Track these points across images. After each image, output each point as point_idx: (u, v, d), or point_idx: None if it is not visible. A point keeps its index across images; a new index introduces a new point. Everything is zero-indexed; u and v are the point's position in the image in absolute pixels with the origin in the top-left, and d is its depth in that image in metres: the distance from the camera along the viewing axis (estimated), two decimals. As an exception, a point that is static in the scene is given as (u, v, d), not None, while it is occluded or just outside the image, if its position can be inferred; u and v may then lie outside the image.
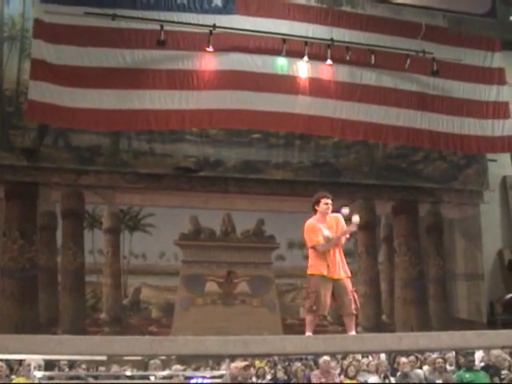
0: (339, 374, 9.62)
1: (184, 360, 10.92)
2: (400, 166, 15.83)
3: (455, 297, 16.10)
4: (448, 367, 10.06)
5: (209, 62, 12.77)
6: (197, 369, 11.35)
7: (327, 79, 13.49)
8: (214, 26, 12.60)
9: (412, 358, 9.87)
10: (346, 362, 10.25)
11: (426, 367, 10.17)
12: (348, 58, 13.25)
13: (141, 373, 10.58)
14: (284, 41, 12.90)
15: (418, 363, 10.25)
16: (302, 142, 15.02)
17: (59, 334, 12.91)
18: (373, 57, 13.35)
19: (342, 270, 6.56)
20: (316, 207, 6.74)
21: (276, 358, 11.26)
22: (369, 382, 9.63)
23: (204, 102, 12.69)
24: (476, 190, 16.21)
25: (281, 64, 13.17)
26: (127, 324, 14.17)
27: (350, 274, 6.64)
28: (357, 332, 6.73)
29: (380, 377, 9.60)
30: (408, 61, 13.67)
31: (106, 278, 14.20)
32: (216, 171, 14.66)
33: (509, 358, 9.14)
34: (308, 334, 6.41)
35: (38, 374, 8.57)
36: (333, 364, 9.57)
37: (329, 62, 13.26)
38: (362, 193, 15.49)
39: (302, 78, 13.30)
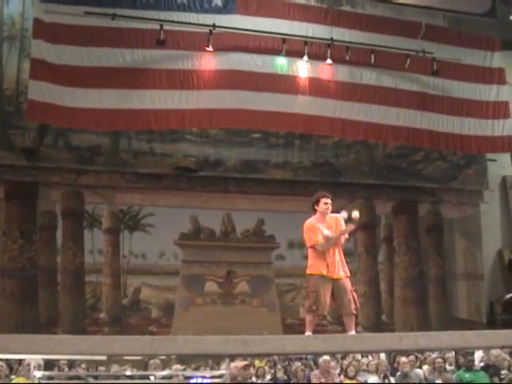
0: (339, 374, 9.61)
1: (184, 360, 10.92)
2: (400, 165, 15.83)
3: (455, 297, 16.10)
4: (448, 367, 10.06)
5: (209, 61, 12.77)
6: (196, 368, 11.34)
7: (327, 79, 13.50)
8: (214, 26, 12.61)
9: (412, 357, 9.87)
10: (345, 362, 10.25)
11: (425, 367, 10.17)
12: (348, 57, 13.25)
13: (141, 372, 10.57)
14: (284, 40, 12.90)
15: (418, 363, 10.25)
16: (301, 141, 15.02)
17: (59, 333, 12.91)
18: (373, 56, 13.35)
19: (341, 269, 6.56)
20: (316, 207, 6.73)
21: (276, 357, 11.26)
22: (368, 381, 9.62)
23: (204, 101, 12.69)
24: (476, 190, 16.22)
25: (281, 64, 13.17)
26: (127, 324, 14.17)
27: (349, 274, 6.64)
28: (356, 332, 6.73)
29: (380, 376, 9.59)
30: (408, 60, 13.67)
31: (106, 278, 14.20)
32: (216, 171, 14.66)
33: (508, 358, 9.14)
34: (308, 333, 6.41)
35: (38, 373, 8.56)
36: (332, 364, 9.56)
37: (329, 61, 13.27)
38: (362, 193, 15.49)
39: (301, 77, 13.31)
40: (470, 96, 14.42)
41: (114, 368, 11.35)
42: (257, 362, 11.04)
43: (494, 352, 9.15)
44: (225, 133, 14.52)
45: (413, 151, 15.71)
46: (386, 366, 9.77)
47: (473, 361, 8.98)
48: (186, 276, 14.68)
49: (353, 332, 6.51)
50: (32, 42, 12.24)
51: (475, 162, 16.12)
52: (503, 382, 8.65)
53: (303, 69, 13.29)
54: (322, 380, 8.90)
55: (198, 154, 14.56)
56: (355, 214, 6.51)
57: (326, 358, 9.00)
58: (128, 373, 10.58)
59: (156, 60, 12.57)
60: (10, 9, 13.70)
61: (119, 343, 5.47)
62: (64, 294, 13.79)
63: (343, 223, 6.65)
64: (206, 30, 12.58)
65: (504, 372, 8.88)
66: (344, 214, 6.57)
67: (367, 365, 10.41)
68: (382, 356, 10.64)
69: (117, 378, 10.21)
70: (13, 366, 9.47)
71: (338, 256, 6.58)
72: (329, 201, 6.71)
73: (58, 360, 10.61)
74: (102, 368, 11.50)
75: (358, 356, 10.59)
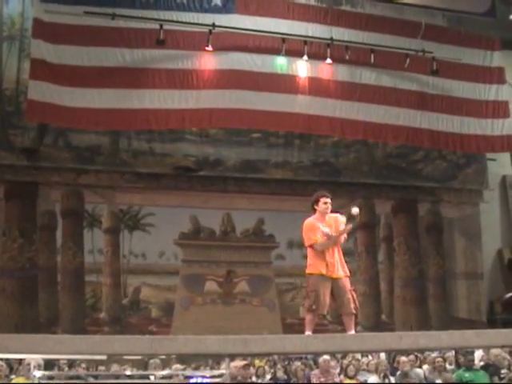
0: (339, 374, 9.60)
1: (184, 359, 10.92)
2: (400, 165, 15.83)
3: (455, 296, 16.10)
4: (448, 366, 10.07)
5: (208, 61, 12.77)
6: (196, 368, 11.34)
7: (327, 78, 13.50)
8: (214, 26, 12.61)
9: (412, 357, 9.88)
10: (345, 362, 10.24)
11: (425, 366, 10.18)
12: (347, 57, 13.25)
13: (141, 372, 10.57)
14: (283, 40, 12.90)
15: (418, 362, 10.25)
16: (301, 141, 15.02)
17: (59, 333, 12.91)
18: (372, 56, 13.35)
19: (340, 269, 6.56)
20: (315, 206, 6.74)
21: (276, 357, 11.25)
22: (368, 381, 9.62)
23: (204, 101, 12.70)
24: (476, 190, 16.22)
25: (280, 63, 13.17)
26: (127, 323, 14.17)
27: (348, 274, 6.64)
28: (356, 331, 6.73)
29: (380, 376, 9.59)
30: (407, 60, 13.67)
31: (106, 278, 14.20)
32: (216, 171, 14.66)
33: (508, 357, 9.14)
34: (307, 333, 6.41)
35: (38, 373, 8.57)
36: (332, 363, 9.55)
37: (328, 61, 13.27)
38: (362, 192, 15.48)
39: (301, 77, 13.31)
40: (469, 95, 14.42)
41: (114, 368, 11.34)
42: (257, 362, 11.04)
43: (494, 351, 9.15)
44: (224, 132, 14.52)
45: (412, 151, 15.71)
46: (385, 366, 9.77)
47: (473, 360, 8.98)
48: (185, 276, 14.68)
49: (352, 331, 6.51)
50: (32, 41, 12.24)
51: (475, 161, 16.13)
52: (503, 381, 8.64)
53: (303, 68, 13.29)
54: (322, 379, 8.90)
55: (198, 154, 14.56)
56: (355, 210, 6.53)
57: (326, 357, 9.01)
58: (128, 372, 10.57)
59: (156, 60, 12.57)
60: (9, 9, 13.70)
61: (119, 343, 5.47)
62: (64, 294, 13.79)
63: (343, 223, 6.65)
64: (206, 29, 12.58)
65: (504, 371, 8.88)
66: (356, 210, 6.57)
67: (367, 364, 10.42)
68: (382, 355, 10.64)
69: (117, 377, 10.20)
70: (13, 366, 9.47)
71: (337, 255, 6.58)
72: (328, 200, 6.71)
73: (58, 360, 10.61)
74: (102, 368, 11.49)
75: (358, 355, 10.59)
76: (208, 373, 10.01)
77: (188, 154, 14.52)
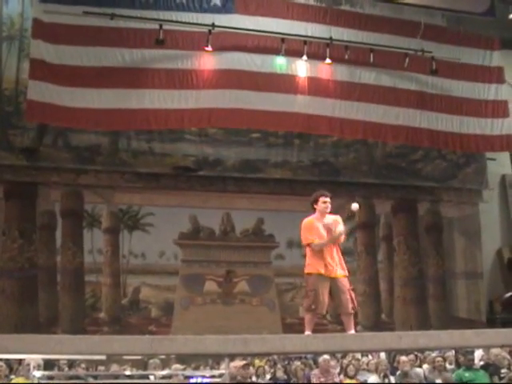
0: (339, 373, 9.61)
1: (183, 359, 10.92)
2: (399, 164, 15.83)
3: (454, 296, 16.10)
4: (447, 366, 10.07)
5: (208, 61, 12.77)
6: (196, 368, 11.34)
7: (326, 78, 13.49)
8: (213, 26, 12.60)
9: (412, 356, 9.89)
10: (345, 361, 10.24)
11: (425, 366, 10.18)
12: (347, 57, 13.24)
13: (140, 372, 10.57)
14: (283, 40, 12.89)
15: (418, 362, 10.27)
16: (301, 141, 15.02)
17: (59, 333, 12.91)
18: (372, 56, 13.34)
19: (339, 268, 6.57)
20: (315, 206, 6.75)
21: (275, 357, 11.25)
22: (368, 381, 9.63)
23: (203, 101, 12.69)
24: (475, 189, 16.22)
25: (280, 63, 13.16)
26: (127, 323, 14.17)
27: (347, 273, 6.64)
28: (356, 331, 6.74)
29: (380, 376, 9.59)
30: (407, 60, 13.66)
31: (106, 278, 14.20)
32: (215, 170, 14.66)
33: (508, 357, 9.15)
34: (307, 332, 6.42)
35: (38, 373, 8.58)
36: (332, 363, 9.56)
37: (328, 61, 13.26)
38: (362, 192, 15.47)
39: (300, 77, 13.30)
40: (469, 95, 14.42)
41: (114, 368, 11.34)
42: (256, 362, 11.04)
43: (494, 351, 9.17)
44: (224, 132, 14.52)
45: (412, 150, 15.71)
46: (385, 365, 9.77)
47: (473, 360, 8.99)
48: (185, 275, 14.68)
49: (352, 331, 6.52)
50: (31, 41, 12.22)
51: (474, 160, 16.13)
52: (503, 380, 8.65)
53: (302, 68, 13.29)
54: (322, 379, 8.91)
55: (198, 154, 14.56)
56: (355, 205, 6.58)
57: (326, 357, 9.02)
58: (128, 372, 10.58)
59: (155, 60, 12.56)
60: (9, 9, 13.70)
61: (119, 343, 5.47)
62: (63, 294, 13.78)
63: (342, 224, 6.67)
64: (205, 29, 12.57)
65: (504, 371, 8.89)
66: (356, 205, 6.62)
67: (367, 364, 10.42)
68: (382, 355, 10.64)
69: (116, 377, 10.21)
70: (12, 366, 9.47)
71: (336, 255, 6.59)
72: (328, 199, 6.72)
73: (57, 360, 10.60)
74: (101, 368, 11.49)
75: (358, 355, 10.60)
76: (208, 373, 10.01)
77: (187, 154, 14.51)
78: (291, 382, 10.21)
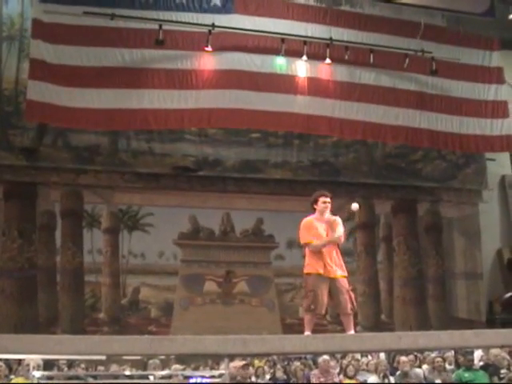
0: (338, 374, 9.60)
1: (183, 359, 10.91)
2: (399, 165, 15.83)
3: (454, 296, 16.10)
4: (447, 366, 10.07)
5: (208, 61, 12.77)
6: (196, 368, 11.34)
7: (326, 79, 13.50)
8: (213, 26, 12.60)
9: (411, 357, 9.88)
10: (345, 362, 10.24)
11: (425, 366, 10.18)
12: (347, 57, 13.24)
13: (140, 372, 10.57)
14: (283, 40, 12.90)
15: (418, 362, 10.26)
16: (300, 141, 15.02)
17: (58, 333, 12.92)
18: (371, 56, 13.35)
19: (338, 269, 6.56)
20: (314, 206, 6.75)
21: (275, 357, 11.25)
22: (368, 381, 9.62)
23: (203, 101, 12.70)
24: (475, 189, 16.22)
25: (280, 63, 13.17)
26: (126, 323, 14.16)
27: (346, 274, 6.64)
28: (356, 331, 6.74)
29: (379, 376, 9.59)
30: (407, 60, 13.67)
31: (105, 278, 14.19)
32: (215, 171, 14.66)
33: (508, 357, 9.15)
34: (307, 333, 6.41)
35: (37, 373, 8.58)
36: (332, 363, 9.56)
37: (327, 61, 13.27)
38: (361, 192, 15.46)
39: (300, 77, 13.31)
40: (468, 95, 14.43)
41: (114, 368, 11.34)
42: (256, 362, 11.03)
43: (494, 351, 9.16)
44: (224, 132, 14.51)
45: (412, 151, 15.71)
46: (385, 366, 9.76)
47: (472, 360, 8.99)
48: (185, 276, 14.68)
49: (352, 331, 6.52)
50: (31, 41, 12.23)
51: (474, 161, 16.13)
52: (503, 381, 8.65)
53: (302, 68, 13.30)
54: (322, 379, 8.90)
55: (197, 154, 14.56)
56: (355, 205, 6.58)
57: (326, 357, 9.01)
58: (127, 372, 10.57)
59: (155, 60, 12.57)
60: (9, 9, 13.70)
61: (118, 343, 5.47)
62: (63, 294, 13.78)
63: (341, 225, 6.67)
64: (205, 29, 12.58)
65: (503, 371, 8.88)
66: (356, 205, 6.63)
67: (367, 364, 10.41)
68: (382, 355, 10.64)
69: (116, 377, 10.20)
70: (12, 366, 9.46)
71: (335, 255, 6.58)
72: (328, 199, 6.72)
73: (57, 360, 10.60)
74: (101, 368, 11.49)
75: (358, 355, 10.59)
76: (207, 373, 10.00)
77: (187, 154, 14.51)
78: (291, 382, 10.20)
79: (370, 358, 10.88)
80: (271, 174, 14.93)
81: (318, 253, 6.52)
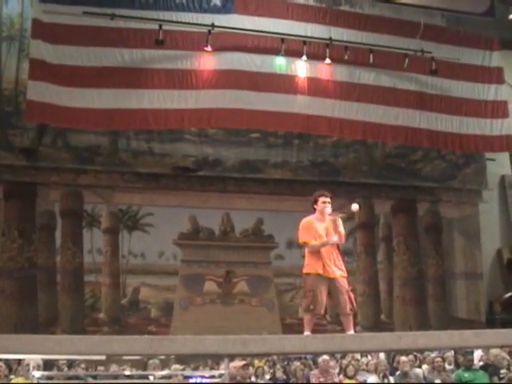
0: (338, 374, 9.60)
1: (183, 359, 10.91)
2: (399, 165, 15.83)
3: (454, 296, 16.10)
4: (447, 366, 10.06)
5: (207, 61, 12.77)
6: (196, 368, 11.34)
7: (326, 79, 13.50)
8: (213, 26, 12.60)
9: (411, 357, 9.88)
10: (345, 362, 10.23)
11: (425, 366, 10.18)
12: (346, 57, 13.24)
13: (140, 372, 10.58)
14: (282, 40, 12.90)
15: (417, 362, 10.25)
16: (300, 141, 15.02)
17: (58, 333, 12.92)
18: (371, 56, 13.35)
19: (337, 269, 6.56)
20: (315, 206, 6.75)
21: (275, 357, 11.25)
22: (368, 381, 9.62)
23: (203, 101, 12.70)
24: (475, 189, 16.22)
25: (279, 63, 13.17)
26: (126, 323, 14.16)
27: (346, 274, 6.64)
28: (355, 331, 6.73)
29: (379, 376, 9.59)
30: (406, 60, 13.67)
31: (105, 278, 14.19)
32: (215, 171, 14.66)
33: (508, 357, 9.14)
34: (307, 333, 6.41)
35: (37, 373, 8.58)
36: (332, 363, 9.55)
37: (327, 61, 13.26)
38: (361, 192, 15.46)
39: (300, 77, 13.31)
40: (468, 95, 14.43)
41: (113, 368, 11.34)
42: (256, 362, 11.04)
43: (494, 351, 9.16)
44: (224, 132, 14.52)
45: (412, 151, 15.71)
46: (385, 366, 9.76)
47: (472, 360, 8.98)
48: (185, 276, 14.68)
49: (351, 331, 6.52)
50: (31, 42, 12.23)
51: (474, 161, 16.13)
52: (502, 381, 8.65)
53: (302, 68, 13.30)
54: (321, 380, 8.90)
55: (197, 154, 14.56)
56: (355, 206, 6.58)
57: (325, 357, 9.01)
58: (127, 372, 10.58)
59: (155, 60, 12.57)
60: (8, 9, 13.70)
61: (118, 343, 5.47)
62: (63, 294, 13.78)
63: (341, 225, 6.67)
64: (205, 29, 12.58)
65: (503, 371, 8.88)
66: (356, 206, 6.64)
67: (366, 364, 10.41)
68: (382, 355, 10.64)
69: (116, 377, 10.21)
70: (12, 366, 9.46)
71: (334, 255, 6.58)
72: (328, 199, 6.72)
73: (57, 360, 10.60)
74: (101, 368, 11.49)
75: (358, 355, 10.58)
76: (207, 373, 10.00)
77: (187, 154, 14.51)
78: (290, 382, 10.21)
79: (369, 358, 10.88)
80: (271, 174, 14.93)
81: (317, 253, 6.52)
